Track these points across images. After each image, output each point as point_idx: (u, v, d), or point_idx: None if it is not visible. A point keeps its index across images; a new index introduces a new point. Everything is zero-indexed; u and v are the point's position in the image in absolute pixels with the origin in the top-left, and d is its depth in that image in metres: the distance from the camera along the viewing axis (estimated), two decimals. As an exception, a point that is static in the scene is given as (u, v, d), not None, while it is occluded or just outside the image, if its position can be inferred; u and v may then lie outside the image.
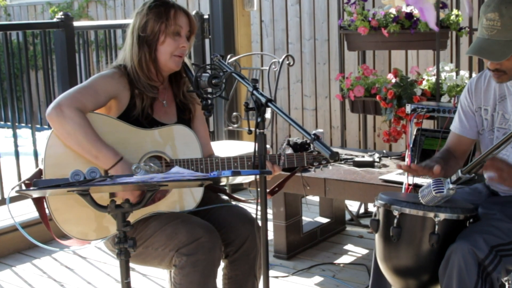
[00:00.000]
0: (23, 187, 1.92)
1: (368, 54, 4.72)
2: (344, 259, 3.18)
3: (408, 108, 2.93)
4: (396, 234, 1.87)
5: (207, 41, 4.38)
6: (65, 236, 1.97)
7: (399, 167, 2.00)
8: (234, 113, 3.94)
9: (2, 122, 6.85)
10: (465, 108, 2.17)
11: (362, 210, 3.80)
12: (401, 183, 2.59)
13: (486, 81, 2.11)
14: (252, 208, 1.94)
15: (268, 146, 3.15)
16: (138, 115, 2.05)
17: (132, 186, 1.71)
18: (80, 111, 1.93)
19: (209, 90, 1.88)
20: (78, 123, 1.91)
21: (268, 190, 2.03)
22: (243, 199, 2.26)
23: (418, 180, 2.55)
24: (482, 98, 2.12)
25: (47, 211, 1.96)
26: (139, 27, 2.04)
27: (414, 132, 2.87)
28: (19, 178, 3.54)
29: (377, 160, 3.02)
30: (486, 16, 1.90)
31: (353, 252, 3.28)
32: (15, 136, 3.59)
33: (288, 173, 2.11)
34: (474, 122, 2.16)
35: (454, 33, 3.46)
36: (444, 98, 3.19)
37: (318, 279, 2.97)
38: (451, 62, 4.07)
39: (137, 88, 2.05)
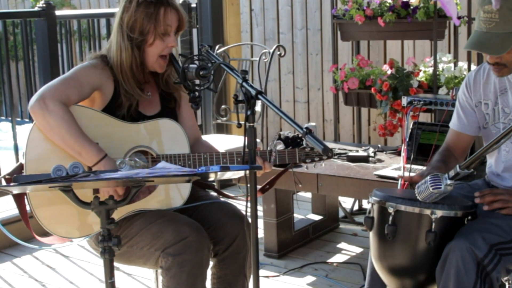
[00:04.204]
0: (3, 182, 1.92)
1: (363, 44, 4.67)
2: (338, 258, 3.15)
3: (404, 100, 2.94)
4: (391, 232, 1.83)
5: (194, 30, 4.33)
6: (46, 234, 1.94)
7: (401, 178, 2.08)
8: (223, 106, 3.91)
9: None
10: (463, 103, 2.15)
11: (356, 207, 3.77)
12: (397, 179, 2.54)
13: (485, 75, 2.09)
14: (241, 205, 1.91)
15: (258, 140, 3.07)
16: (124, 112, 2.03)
17: (116, 182, 1.68)
18: (64, 104, 1.91)
19: (197, 82, 1.86)
20: (62, 117, 1.89)
21: (258, 188, 1.98)
22: (232, 195, 2.24)
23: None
24: (481, 92, 2.10)
25: (28, 208, 1.94)
26: (127, 25, 1.98)
27: (411, 126, 2.87)
28: (-1, 173, 3.47)
29: (372, 154, 3.01)
30: (483, 9, 1.87)
31: (346, 250, 3.25)
32: (-5, 129, 3.54)
33: (280, 169, 2.08)
34: (473, 118, 2.13)
35: (452, 22, 3.40)
36: (442, 90, 3.20)
37: (310, 278, 2.93)
38: (449, 52, 4.06)
39: (124, 90, 2.02)
